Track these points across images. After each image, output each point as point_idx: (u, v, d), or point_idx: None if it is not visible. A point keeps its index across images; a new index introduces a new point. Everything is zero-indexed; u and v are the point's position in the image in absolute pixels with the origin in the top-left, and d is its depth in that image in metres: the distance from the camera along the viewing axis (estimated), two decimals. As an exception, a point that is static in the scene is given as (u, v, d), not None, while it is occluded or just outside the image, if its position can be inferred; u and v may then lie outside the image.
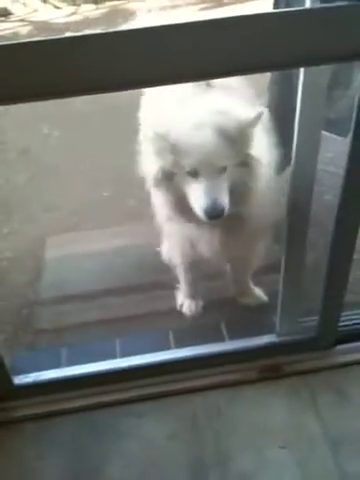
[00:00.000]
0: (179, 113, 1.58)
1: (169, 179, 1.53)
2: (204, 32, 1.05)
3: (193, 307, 2.09)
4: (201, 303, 2.11)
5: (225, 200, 1.47)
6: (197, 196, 1.48)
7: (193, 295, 2.11)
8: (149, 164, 1.58)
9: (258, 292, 2.10)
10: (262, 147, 1.56)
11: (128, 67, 1.06)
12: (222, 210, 1.46)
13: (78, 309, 2.16)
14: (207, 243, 1.73)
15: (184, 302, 2.12)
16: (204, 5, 6.45)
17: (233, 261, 2.01)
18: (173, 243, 1.95)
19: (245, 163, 1.51)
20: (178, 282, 2.12)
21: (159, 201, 1.70)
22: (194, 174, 1.47)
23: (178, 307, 2.12)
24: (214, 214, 1.46)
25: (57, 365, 1.78)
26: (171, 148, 1.47)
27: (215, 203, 1.45)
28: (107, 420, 1.65)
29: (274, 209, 1.77)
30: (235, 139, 1.47)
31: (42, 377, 1.71)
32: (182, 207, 1.57)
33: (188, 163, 1.46)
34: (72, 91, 1.09)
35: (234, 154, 1.48)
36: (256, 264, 2.03)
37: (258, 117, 1.47)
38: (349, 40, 1.12)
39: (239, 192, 1.52)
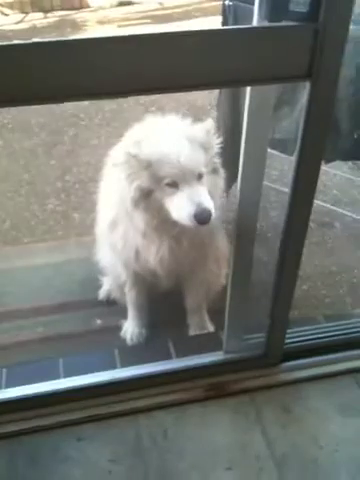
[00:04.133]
0: (147, 133, 1.58)
1: (147, 197, 1.52)
2: (146, 46, 1.02)
3: (135, 337, 2.05)
4: (145, 332, 2.07)
5: (211, 203, 1.48)
6: (182, 205, 1.48)
7: (138, 321, 2.07)
8: (123, 189, 1.57)
9: (209, 325, 2.09)
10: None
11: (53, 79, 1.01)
12: (210, 213, 1.47)
13: (19, 326, 2.07)
14: (155, 252, 1.72)
15: (128, 330, 2.08)
16: (150, 20, 6.50)
17: (185, 282, 1.99)
18: (117, 253, 1.87)
19: (215, 170, 1.58)
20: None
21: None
22: (174, 185, 1.48)
23: (122, 333, 2.08)
24: (203, 218, 1.46)
25: (-4, 387, 1.68)
26: (146, 164, 1.48)
27: (202, 207, 1.46)
28: (46, 444, 1.56)
29: (218, 223, 1.82)
30: (205, 146, 1.53)
31: (-22, 401, 1.60)
32: (159, 222, 1.58)
33: (167, 173, 1.47)
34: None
35: (207, 161, 1.54)
36: (211, 289, 2.04)
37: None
38: (293, 60, 1.13)
39: None
